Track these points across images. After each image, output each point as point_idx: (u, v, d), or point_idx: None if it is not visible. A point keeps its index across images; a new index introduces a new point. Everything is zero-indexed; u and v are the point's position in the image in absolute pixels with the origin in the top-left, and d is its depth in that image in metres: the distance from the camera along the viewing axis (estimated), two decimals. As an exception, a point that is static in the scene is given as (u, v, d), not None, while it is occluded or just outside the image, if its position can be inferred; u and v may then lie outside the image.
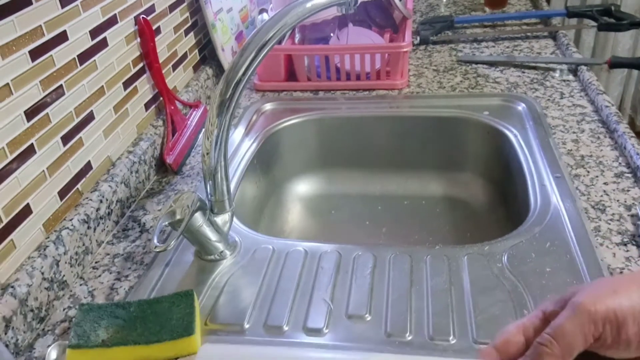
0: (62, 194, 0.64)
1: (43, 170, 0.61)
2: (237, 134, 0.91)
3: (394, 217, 0.91)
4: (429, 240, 0.85)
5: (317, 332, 0.53)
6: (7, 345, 0.51)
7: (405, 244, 0.83)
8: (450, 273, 0.58)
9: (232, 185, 0.78)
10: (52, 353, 0.51)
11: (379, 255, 0.62)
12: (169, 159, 0.80)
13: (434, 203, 0.93)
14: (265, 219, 0.89)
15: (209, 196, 0.62)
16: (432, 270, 0.59)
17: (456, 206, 0.91)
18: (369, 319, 0.54)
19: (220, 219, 0.63)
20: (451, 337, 0.51)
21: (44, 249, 0.59)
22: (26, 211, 0.58)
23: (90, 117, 0.69)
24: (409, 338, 0.52)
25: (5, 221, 0.55)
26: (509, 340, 0.41)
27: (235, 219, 0.68)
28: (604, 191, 0.69)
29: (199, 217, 0.59)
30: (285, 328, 0.54)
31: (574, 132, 0.82)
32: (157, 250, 0.56)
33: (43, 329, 0.56)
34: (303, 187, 0.97)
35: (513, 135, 0.84)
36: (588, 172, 0.73)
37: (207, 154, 0.59)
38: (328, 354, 0.44)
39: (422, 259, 0.61)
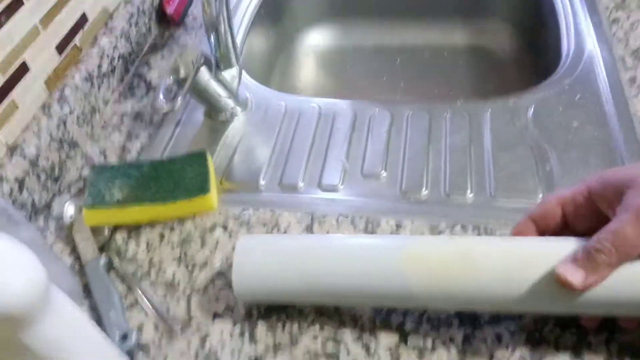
0: (60, 49, 0.60)
1: (35, 24, 0.57)
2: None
3: (413, 71, 0.86)
4: (450, 94, 0.81)
5: (332, 188, 0.53)
6: (23, 205, 0.52)
7: (425, 100, 0.79)
8: (470, 129, 0.56)
9: (239, 38, 0.73)
10: (69, 212, 0.52)
11: (397, 113, 0.59)
12: (170, 9, 0.74)
13: (456, 54, 0.87)
14: (277, 75, 0.85)
15: (213, 50, 0.58)
16: (452, 127, 0.56)
17: (481, 57, 0.86)
18: (384, 176, 0.53)
19: (228, 74, 0.59)
20: (468, 193, 0.50)
21: (49, 109, 0.57)
22: (24, 68, 0.55)
23: (78, -38, 0.63)
24: (425, 195, 0.51)
25: (2, 79, 0.53)
26: (547, 212, 0.38)
27: (245, 75, 0.64)
28: (646, 37, 0.63)
29: (205, 74, 0.56)
30: (301, 185, 0.53)
31: (619, -30, 0.73)
32: (164, 110, 0.53)
33: (59, 189, 0.56)
34: (316, 40, 0.91)
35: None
36: (629, 15, 0.66)
37: (207, 1, 0.53)
38: (369, 239, 0.44)
39: (442, 115, 0.58)
